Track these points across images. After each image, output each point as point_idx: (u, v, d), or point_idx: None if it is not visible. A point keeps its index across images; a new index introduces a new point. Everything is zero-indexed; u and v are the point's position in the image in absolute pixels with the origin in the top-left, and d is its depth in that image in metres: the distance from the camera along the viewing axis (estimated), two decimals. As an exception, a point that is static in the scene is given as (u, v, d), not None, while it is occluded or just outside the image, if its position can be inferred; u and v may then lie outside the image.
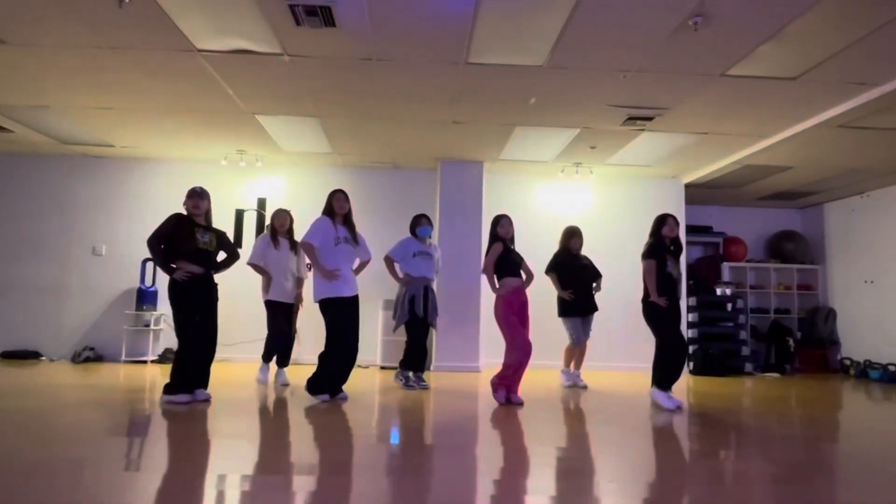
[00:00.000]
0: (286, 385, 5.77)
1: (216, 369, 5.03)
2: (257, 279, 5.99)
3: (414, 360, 5.89)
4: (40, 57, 4.92)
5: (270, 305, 5.83)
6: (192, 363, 4.66)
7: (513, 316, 4.98)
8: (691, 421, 4.69)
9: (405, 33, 4.42)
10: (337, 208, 5.03)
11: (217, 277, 4.89)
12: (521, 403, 4.98)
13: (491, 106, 5.86)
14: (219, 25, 4.34)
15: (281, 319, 5.86)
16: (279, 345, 5.92)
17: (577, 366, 6.36)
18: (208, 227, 4.84)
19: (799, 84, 5.01)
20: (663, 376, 5.06)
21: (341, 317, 4.87)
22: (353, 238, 5.09)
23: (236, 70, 5.10)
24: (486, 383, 5.24)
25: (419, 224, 5.97)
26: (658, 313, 5.05)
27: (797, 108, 5.60)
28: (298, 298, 6.01)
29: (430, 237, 6.07)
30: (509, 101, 5.71)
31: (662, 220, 5.24)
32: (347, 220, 5.09)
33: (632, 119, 6.02)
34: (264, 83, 5.40)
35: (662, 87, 5.23)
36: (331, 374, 4.94)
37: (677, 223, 5.29)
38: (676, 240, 5.28)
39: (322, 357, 4.97)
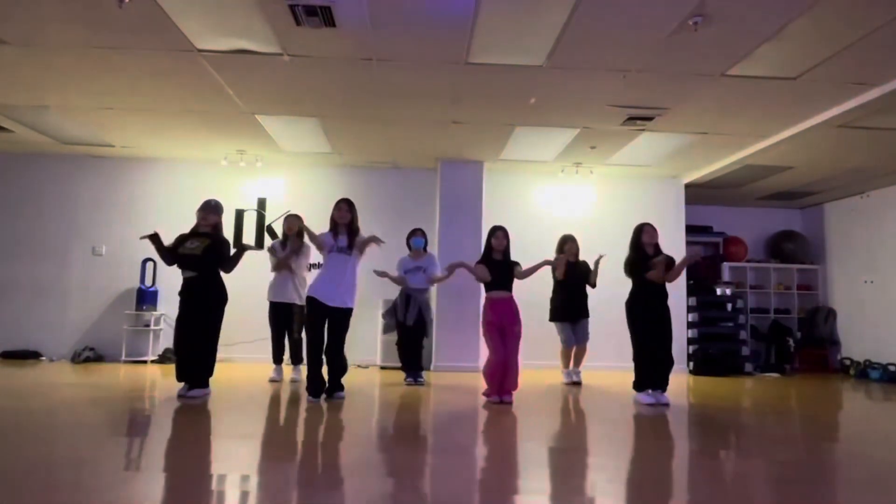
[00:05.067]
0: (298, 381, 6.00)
1: (219, 369, 5.09)
2: (257, 280, 6.01)
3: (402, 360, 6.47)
4: (40, 57, 4.92)
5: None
6: (177, 356, 5.04)
7: (488, 325, 5.18)
8: (692, 420, 4.68)
9: (405, 33, 4.42)
10: (337, 218, 5.13)
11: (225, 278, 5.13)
12: (510, 402, 5.04)
13: (491, 106, 5.86)
14: (219, 25, 4.34)
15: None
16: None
17: (577, 364, 6.52)
18: (206, 235, 5.03)
19: (799, 84, 5.01)
20: (635, 377, 5.28)
21: (309, 318, 5.05)
22: (350, 246, 5.10)
23: (236, 70, 5.10)
24: (484, 383, 5.26)
25: (413, 236, 6.47)
26: (630, 315, 5.27)
27: (797, 108, 5.60)
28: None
29: (422, 248, 6.48)
30: (509, 101, 5.71)
31: (640, 230, 5.35)
32: (349, 228, 5.12)
33: (632, 119, 6.02)
34: (264, 83, 5.40)
35: (662, 87, 5.23)
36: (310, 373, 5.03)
37: (655, 229, 5.37)
38: (656, 245, 5.34)
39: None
